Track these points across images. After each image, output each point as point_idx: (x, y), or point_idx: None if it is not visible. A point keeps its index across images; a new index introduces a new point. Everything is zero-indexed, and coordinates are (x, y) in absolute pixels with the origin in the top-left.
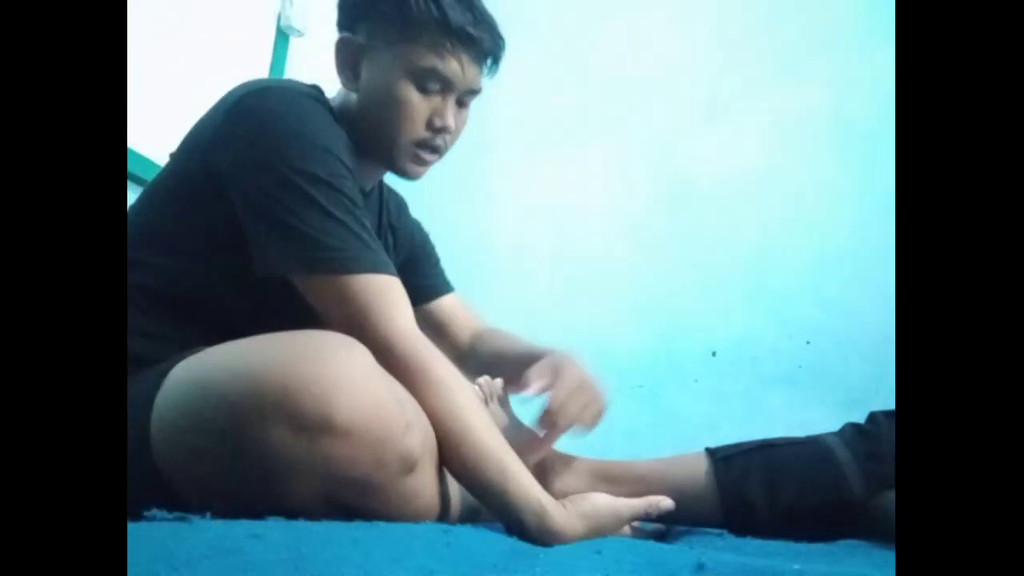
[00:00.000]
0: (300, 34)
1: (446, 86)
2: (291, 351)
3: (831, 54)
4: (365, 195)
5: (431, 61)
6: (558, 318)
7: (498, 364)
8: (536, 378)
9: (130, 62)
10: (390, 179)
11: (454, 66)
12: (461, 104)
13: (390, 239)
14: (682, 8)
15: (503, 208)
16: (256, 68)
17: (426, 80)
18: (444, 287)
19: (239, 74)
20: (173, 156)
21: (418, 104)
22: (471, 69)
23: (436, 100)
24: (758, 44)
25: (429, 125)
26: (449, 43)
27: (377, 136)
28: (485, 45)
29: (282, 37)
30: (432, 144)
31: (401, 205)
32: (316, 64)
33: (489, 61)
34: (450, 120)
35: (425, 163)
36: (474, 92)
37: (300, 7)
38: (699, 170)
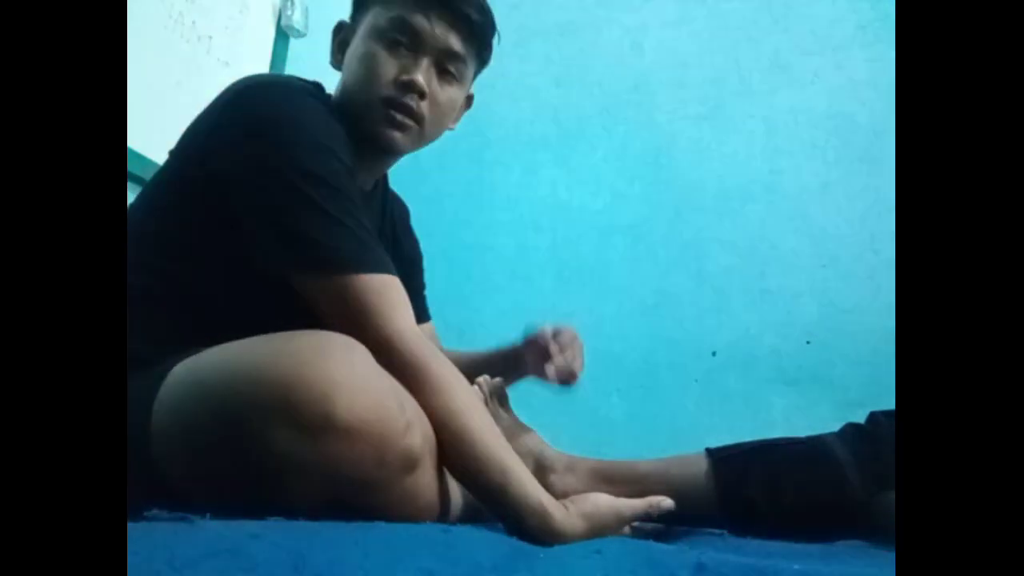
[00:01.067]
0: (300, 34)
1: (414, 40)
2: (291, 351)
3: (831, 54)
4: (366, 195)
5: (396, 11)
6: (558, 318)
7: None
8: (551, 339)
9: (130, 62)
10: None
11: (420, 18)
12: (445, 73)
13: (390, 247)
14: (682, 8)
15: (503, 208)
16: (256, 68)
17: (391, 32)
18: (424, 315)
19: (239, 74)
20: (172, 153)
21: (383, 58)
22: (443, 27)
23: (405, 57)
24: (758, 44)
25: (396, 82)
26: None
27: (351, 103)
28: (459, 6)
29: (282, 37)
30: (403, 104)
31: (405, 214)
32: (316, 64)
33: (468, 28)
34: (419, 76)
35: (400, 127)
36: (456, 57)
37: (300, 7)
38: (699, 170)
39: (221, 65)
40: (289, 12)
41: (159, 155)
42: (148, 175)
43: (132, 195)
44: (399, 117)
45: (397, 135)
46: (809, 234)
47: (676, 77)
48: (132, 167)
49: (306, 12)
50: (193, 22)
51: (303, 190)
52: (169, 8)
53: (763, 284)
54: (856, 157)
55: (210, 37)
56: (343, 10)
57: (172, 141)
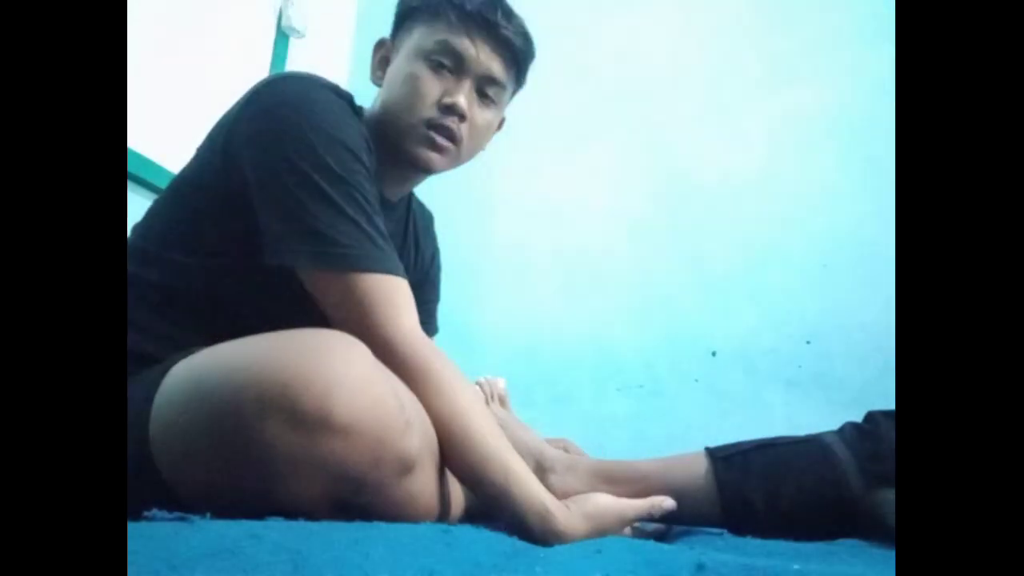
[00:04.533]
0: (300, 35)
1: (458, 64)
2: (291, 349)
3: (831, 54)
4: (392, 206)
5: (443, 35)
6: (558, 318)
7: None
8: None
9: (131, 63)
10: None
11: (465, 42)
12: (484, 96)
13: (412, 255)
14: (682, 8)
15: (503, 208)
16: (256, 68)
17: (437, 54)
18: (433, 328)
19: (239, 74)
20: (198, 150)
21: (428, 80)
22: (487, 53)
23: (448, 79)
24: (758, 44)
25: (439, 104)
26: (464, 23)
27: (392, 122)
28: (503, 33)
29: (282, 37)
30: (444, 126)
31: (429, 221)
32: (316, 64)
33: (511, 55)
34: (461, 99)
35: (440, 149)
36: (496, 83)
37: (300, 7)
38: (699, 170)
39: (222, 65)
40: (289, 12)
41: (159, 155)
42: (148, 175)
43: (132, 195)
44: (439, 140)
45: (435, 156)
46: (809, 234)
47: (676, 77)
48: (132, 167)
49: (306, 13)
50: (193, 22)
51: (319, 185)
52: (169, 8)
53: (763, 284)
54: (856, 157)
55: (210, 37)
56: (343, 11)
57: (172, 142)
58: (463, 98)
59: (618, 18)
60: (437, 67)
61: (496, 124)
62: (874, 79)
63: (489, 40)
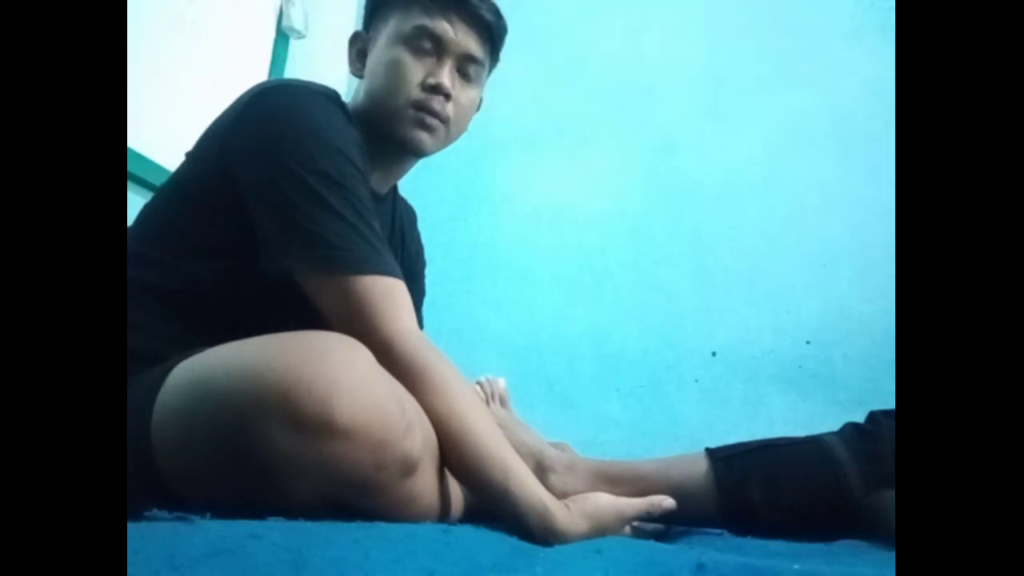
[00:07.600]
0: (300, 35)
1: (438, 45)
2: (292, 351)
3: (831, 54)
4: (379, 200)
5: (420, 19)
6: (558, 318)
7: None
8: None
9: (131, 63)
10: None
11: (443, 24)
12: (465, 75)
13: (399, 251)
14: (682, 8)
15: (503, 208)
16: (256, 68)
17: (416, 39)
18: (420, 325)
19: (239, 74)
20: (189, 154)
21: (410, 63)
22: (464, 32)
23: (430, 61)
24: (758, 44)
25: (424, 85)
26: (439, 6)
27: (379, 108)
28: (477, 11)
29: (282, 38)
30: (431, 107)
31: (413, 218)
32: (316, 65)
33: (487, 32)
34: (444, 79)
35: (429, 129)
36: (475, 61)
37: (301, 8)
38: (699, 170)
39: (221, 65)
40: (289, 12)
41: (159, 155)
42: (148, 175)
43: (132, 195)
44: (427, 119)
45: (425, 137)
46: (809, 234)
47: (676, 77)
48: (132, 167)
49: (306, 13)
50: (193, 22)
51: (315, 189)
52: (169, 8)
53: (763, 284)
54: (856, 157)
55: (210, 38)
56: (343, 11)
57: (172, 141)
58: (447, 77)
59: (618, 18)
60: (417, 50)
61: (476, 102)
62: (874, 79)
63: (465, 19)
